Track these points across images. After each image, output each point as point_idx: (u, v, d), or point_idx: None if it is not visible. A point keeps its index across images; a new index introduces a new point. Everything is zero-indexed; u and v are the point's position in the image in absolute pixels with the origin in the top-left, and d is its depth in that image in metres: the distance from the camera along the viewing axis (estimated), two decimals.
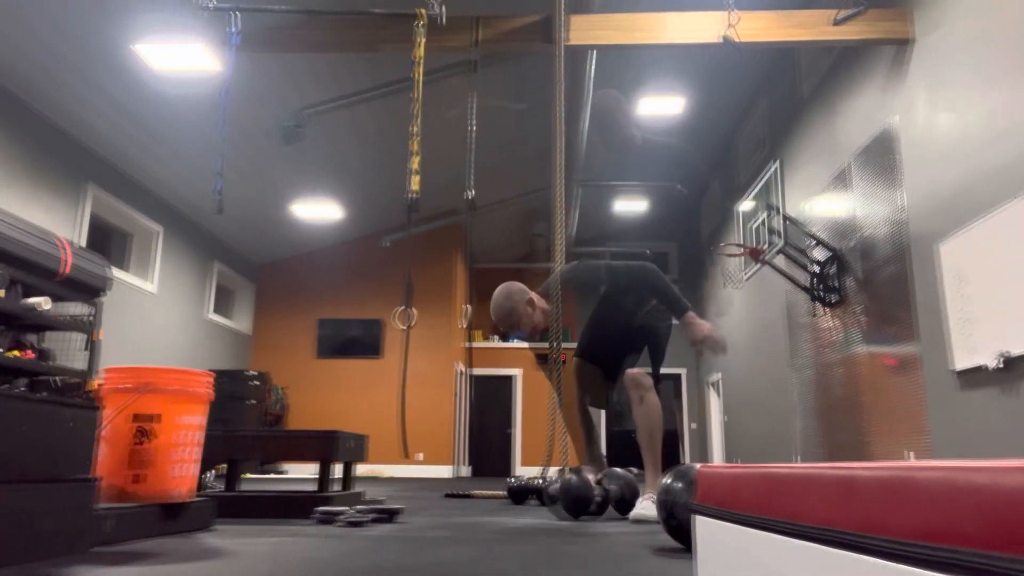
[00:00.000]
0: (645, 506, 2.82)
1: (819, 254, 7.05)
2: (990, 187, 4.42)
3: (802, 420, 7.66)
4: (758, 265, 7.24)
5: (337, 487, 4.40)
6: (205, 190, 9.49)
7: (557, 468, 3.10)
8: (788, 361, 8.12)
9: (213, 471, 4.40)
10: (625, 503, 3.07)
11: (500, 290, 3.05)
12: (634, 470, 3.92)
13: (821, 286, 6.90)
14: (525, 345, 14.19)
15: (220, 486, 3.86)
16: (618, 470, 3.22)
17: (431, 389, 12.01)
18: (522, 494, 4.02)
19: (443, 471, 11.73)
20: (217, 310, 11.65)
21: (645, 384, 2.93)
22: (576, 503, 2.89)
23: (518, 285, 3.05)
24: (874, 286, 5.99)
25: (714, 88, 9.40)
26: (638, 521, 2.81)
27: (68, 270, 5.24)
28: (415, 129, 4.03)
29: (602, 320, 3.32)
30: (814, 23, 5.70)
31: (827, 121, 7.03)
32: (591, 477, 3.14)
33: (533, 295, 3.06)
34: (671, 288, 2.93)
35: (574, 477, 2.92)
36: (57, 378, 5.53)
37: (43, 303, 4.99)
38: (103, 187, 8.10)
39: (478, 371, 13.57)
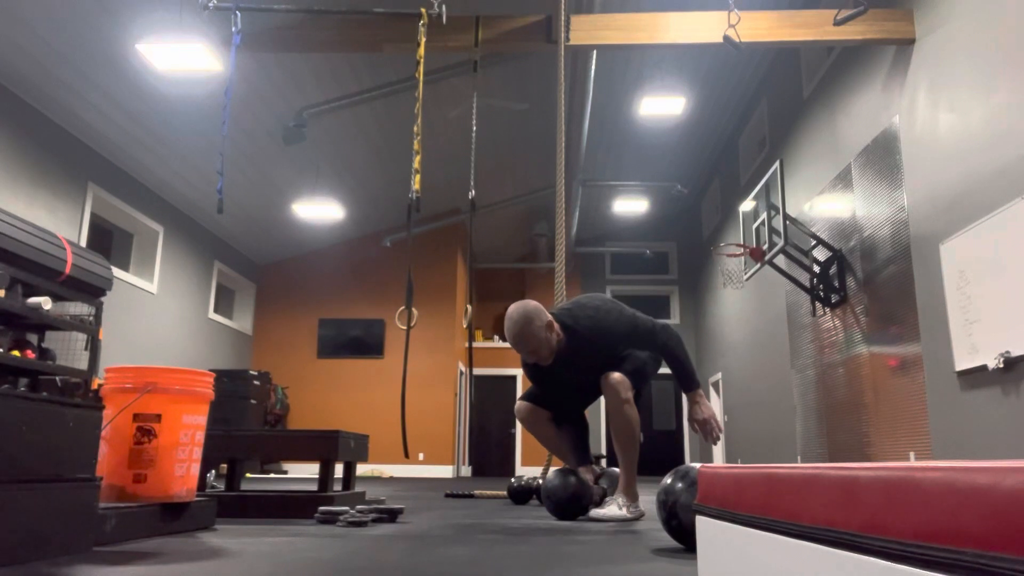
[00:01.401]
0: (610, 508, 2.80)
1: (820, 254, 7.05)
2: (992, 188, 4.41)
3: (803, 420, 7.66)
4: (759, 265, 7.24)
5: (338, 487, 4.40)
6: (206, 190, 9.50)
7: (556, 468, 3.08)
8: (789, 361, 8.12)
9: (214, 471, 4.40)
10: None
11: (517, 312, 2.75)
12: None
13: (822, 286, 6.90)
14: None
15: (221, 486, 3.86)
16: (616, 471, 3.19)
17: (432, 389, 12.01)
18: (523, 494, 4.02)
19: (444, 471, 11.73)
20: (218, 310, 11.66)
21: (623, 393, 2.81)
22: (565, 505, 2.87)
23: (534, 306, 2.78)
24: (875, 286, 5.99)
25: (715, 88, 9.40)
26: (594, 520, 2.80)
27: (69, 270, 5.24)
28: (417, 129, 4.03)
29: (572, 369, 2.95)
30: (815, 23, 5.70)
31: (828, 121, 7.03)
32: (588, 478, 3.13)
33: (550, 318, 2.81)
34: (689, 359, 2.80)
35: (573, 479, 2.91)
36: (59, 378, 5.53)
37: (44, 303, 4.99)
38: (104, 187, 8.11)
39: (479, 371, 13.57)
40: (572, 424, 3.20)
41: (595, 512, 2.82)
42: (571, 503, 2.86)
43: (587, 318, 2.85)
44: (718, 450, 11.86)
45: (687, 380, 2.79)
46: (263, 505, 2.75)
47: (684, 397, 2.80)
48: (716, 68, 8.91)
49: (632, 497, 2.86)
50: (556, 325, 2.83)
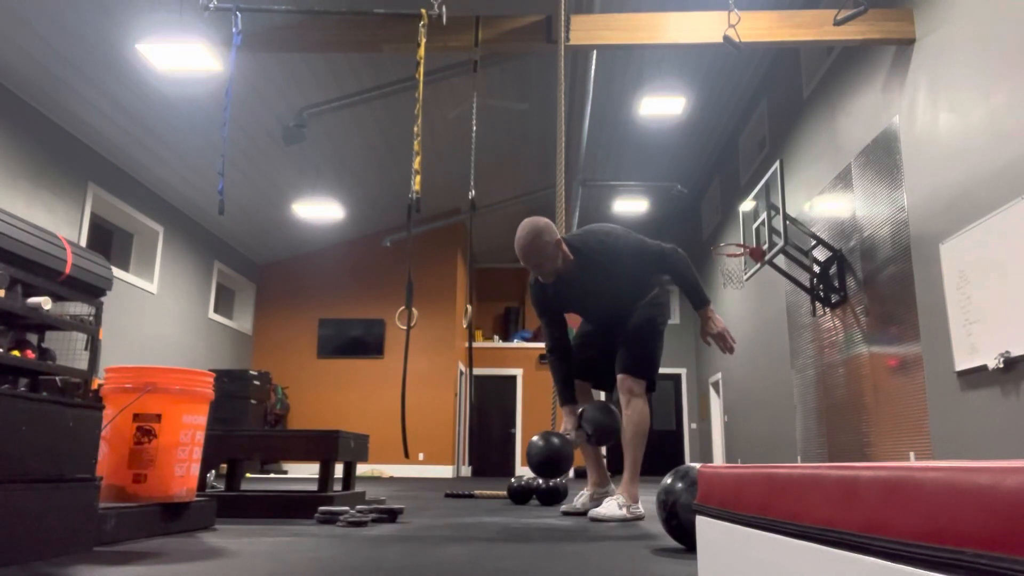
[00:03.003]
0: (608, 506, 2.79)
1: (820, 254, 7.05)
2: (992, 188, 4.41)
3: (803, 420, 7.66)
4: (759, 265, 7.24)
5: (338, 487, 4.40)
6: (206, 190, 9.50)
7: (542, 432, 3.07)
8: (789, 361, 8.12)
9: (214, 471, 4.40)
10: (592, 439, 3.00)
11: (528, 225, 2.80)
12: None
13: (822, 286, 6.90)
14: (527, 345, 14.16)
15: (221, 486, 3.86)
16: (596, 404, 3.08)
17: (432, 389, 12.01)
18: (523, 494, 4.02)
19: (444, 471, 11.73)
20: (218, 310, 11.65)
21: (635, 390, 2.87)
22: (547, 466, 2.86)
23: (545, 222, 2.82)
24: (875, 286, 5.99)
25: (715, 88, 9.40)
26: (594, 519, 2.78)
27: (69, 270, 5.24)
28: (417, 129, 4.03)
29: (578, 291, 3.02)
30: (815, 23, 5.70)
31: (828, 121, 7.03)
32: (569, 421, 3.09)
33: (559, 237, 2.86)
34: (697, 278, 2.87)
35: (547, 440, 2.89)
36: (59, 378, 5.53)
37: (44, 303, 4.99)
38: (104, 187, 8.11)
39: (479, 371, 13.57)
40: (566, 360, 3.17)
41: (594, 512, 2.81)
42: (549, 463, 2.85)
43: (597, 242, 2.93)
44: (718, 450, 11.86)
45: (696, 297, 2.85)
46: (263, 505, 2.75)
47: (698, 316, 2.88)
48: (716, 68, 8.91)
49: (632, 497, 2.85)
50: (564, 246, 2.88)
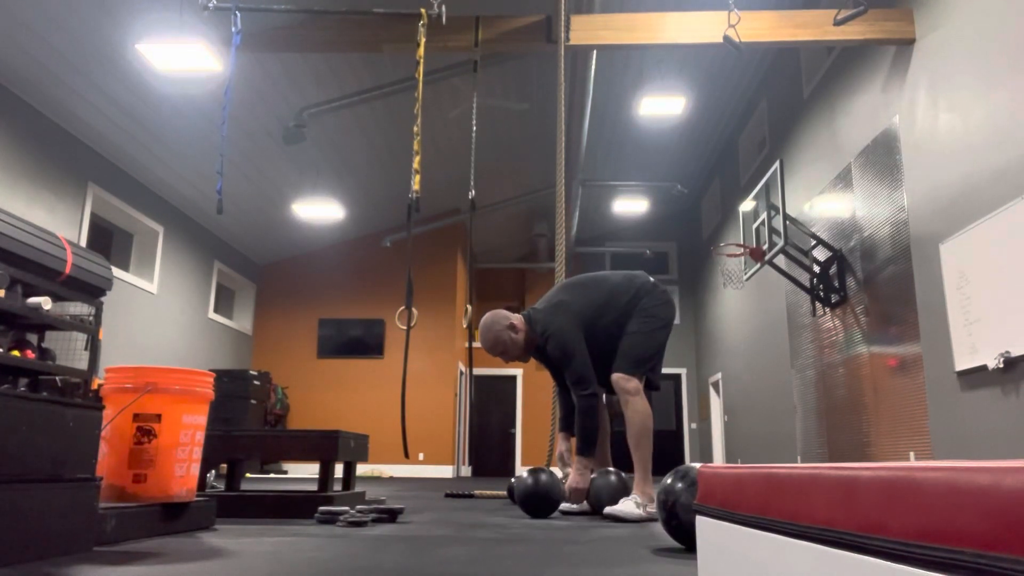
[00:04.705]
0: (623, 505, 2.78)
1: (820, 254, 7.05)
2: (991, 188, 4.41)
3: (803, 420, 7.66)
4: (759, 265, 7.24)
5: (338, 487, 4.39)
6: (206, 190, 9.50)
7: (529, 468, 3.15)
8: (789, 361, 8.12)
9: (214, 471, 4.40)
10: (597, 507, 3.02)
11: (482, 323, 3.07)
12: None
13: (822, 286, 6.90)
14: None
15: (221, 486, 3.86)
16: (610, 472, 3.12)
17: (432, 389, 12.01)
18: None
19: (444, 471, 11.73)
20: (218, 310, 11.65)
21: (628, 388, 2.88)
22: (528, 504, 2.91)
23: (500, 313, 3.05)
24: (875, 286, 5.99)
25: (715, 88, 9.40)
26: (608, 517, 2.79)
27: (69, 270, 5.24)
28: (417, 129, 4.03)
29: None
30: (815, 23, 5.70)
31: (828, 121, 7.03)
32: (564, 446, 3.17)
33: (515, 319, 3.04)
34: (584, 427, 2.93)
35: (529, 479, 2.92)
36: (59, 378, 5.53)
37: (44, 303, 4.99)
38: (104, 187, 8.11)
39: (479, 371, 13.57)
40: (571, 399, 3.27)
41: (609, 509, 2.80)
42: (538, 501, 2.88)
43: (541, 331, 3.04)
44: (718, 450, 11.86)
45: (577, 443, 2.96)
46: (263, 505, 2.74)
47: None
48: (716, 68, 8.91)
49: (648, 497, 2.81)
50: (519, 323, 3.03)
